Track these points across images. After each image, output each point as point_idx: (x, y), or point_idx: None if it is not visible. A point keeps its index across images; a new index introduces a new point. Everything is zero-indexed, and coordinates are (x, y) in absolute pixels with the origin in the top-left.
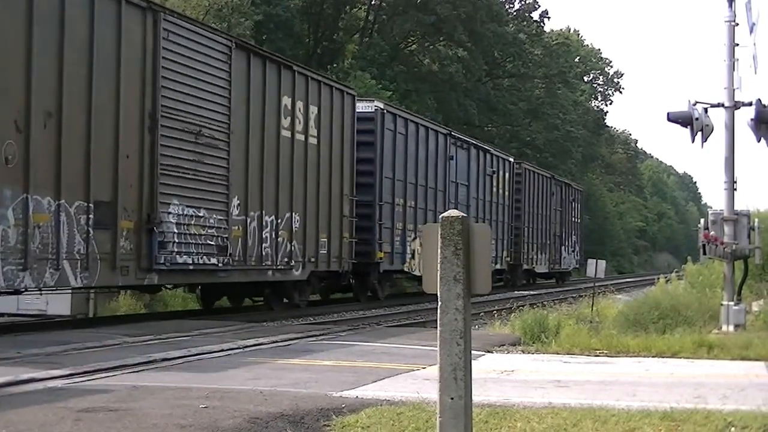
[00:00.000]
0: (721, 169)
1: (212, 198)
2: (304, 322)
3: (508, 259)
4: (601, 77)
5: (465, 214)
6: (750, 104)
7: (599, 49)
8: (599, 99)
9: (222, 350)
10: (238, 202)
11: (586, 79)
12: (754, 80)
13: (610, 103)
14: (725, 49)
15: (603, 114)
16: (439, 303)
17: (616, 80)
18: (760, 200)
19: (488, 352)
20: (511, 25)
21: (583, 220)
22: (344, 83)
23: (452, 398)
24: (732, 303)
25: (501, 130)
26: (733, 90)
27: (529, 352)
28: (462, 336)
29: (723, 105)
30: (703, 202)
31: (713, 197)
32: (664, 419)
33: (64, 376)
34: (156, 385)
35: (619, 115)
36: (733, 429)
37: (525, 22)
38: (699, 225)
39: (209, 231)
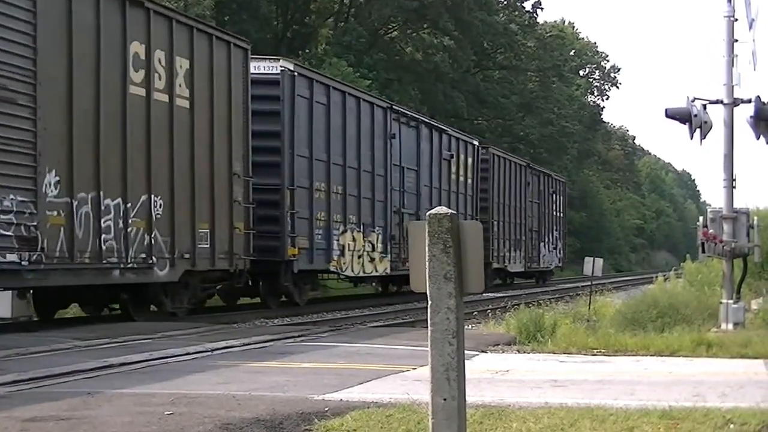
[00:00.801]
0: (720, 167)
1: (5, 172)
2: (280, 323)
3: None
4: (597, 72)
5: (453, 211)
6: (749, 101)
7: (595, 43)
8: (595, 94)
9: (188, 353)
10: (57, 178)
11: (581, 73)
12: (753, 77)
13: (607, 99)
14: (724, 45)
15: (599, 109)
16: (429, 302)
17: (612, 75)
18: (760, 198)
19: (482, 351)
20: (501, 15)
21: (566, 214)
22: (233, 33)
23: (445, 399)
24: (731, 301)
25: (492, 123)
26: (732, 86)
27: (524, 352)
28: (454, 335)
29: (722, 102)
30: (701, 200)
31: (712, 195)
32: (662, 418)
33: (8, 383)
34: (114, 391)
35: (615, 111)
36: (732, 426)
37: (517, 12)
38: (698, 223)
39: (1, 218)
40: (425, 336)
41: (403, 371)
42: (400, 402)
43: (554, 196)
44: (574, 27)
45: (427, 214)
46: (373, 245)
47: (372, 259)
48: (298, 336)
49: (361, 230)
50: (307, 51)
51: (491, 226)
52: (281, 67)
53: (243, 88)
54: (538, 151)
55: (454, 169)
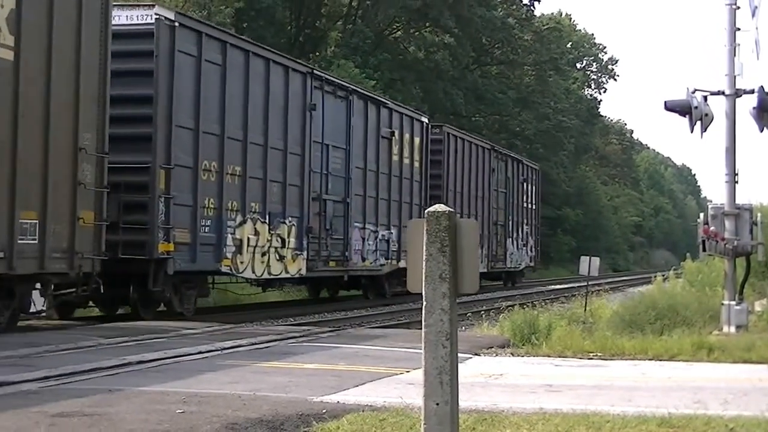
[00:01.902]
0: (721, 161)
1: None
2: (284, 323)
3: None
4: (594, 64)
5: (451, 209)
6: (752, 92)
7: (592, 35)
8: (592, 87)
9: (199, 353)
10: None
11: (578, 66)
12: (756, 66)
13: (604, 92)
14: (726, 34)
15: (596, 103)
16: (424, 303)
17: (610, 67)
18: (763, 193)
19: (476, 354)
20: (499, 9)
21: (540, 206)
22: None
23: (437, 404)
24: (733, 302)
25: (489, 120)
26: (734, 77)
27: (518, 355)
28: (448, 338)
29: (723, 93)
30: (702, 196)
31: (713, 190)
32: (661, 425)
33: (39, 379)
34: (131, 389)
35: (613, 104)
36: None
37: (514, 6)
38: (698, 220)
39: None
40: (419, 337)
41: (397, 374)
42: (394, 406)
43: (525, 185)
44: (571, 19)
45: (426, 212)
46: (283, 240)
47: (281, 257)
48: (301, 336)
49: (267, 221)
50: (317, 53)
51: None
52: (156, 15)
53: (100, 40)
54: (535, 147)
55: (396, 149)
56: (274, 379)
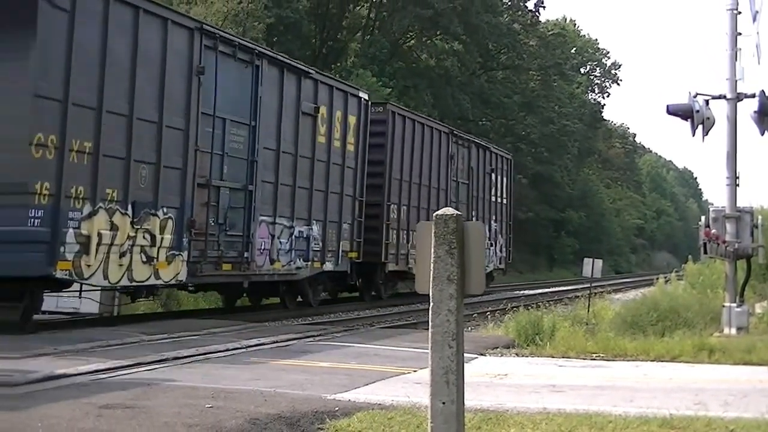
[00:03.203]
0: (722, 164)
1: None
2: (303, 322)
3: (353, 253)
4: (598, 69)
5: (459, 212)
6: (753, 96)
7: (596, 40)
8: (596, 91)
9: (227, 350)
10: None
11: (582, 70)
12: (757, 71)
13: (608, 96)
14: (727, 39)
15: (600, 107)
16: (431, 304)
17: (613, 72)
18: (764, 196)
19: (481, 354)
20: (505, 15)
21: (512, 200)
22: None
23: (444, 403)
24: (734, 304)
25: (495, 124)
26: (736, 81)
27: (523, 355)
28: (454, 338)
29: (725, 97)
30: (704, 199)
31: (714, 193)
32: (663, 426)
33: (90, 372)
34: (168, 383)
35: (616, 108)
36: None
37: (519, 12)
38: (700, 222)
39: None
40: (426, 337)
41: (405, 373)
42: (402, 404)
43: (494, 176)
44: (575, 24)
45: (434, 215)
46: (152, 237)
47: (149, 259)
48: (317, 335)
49: (129, 212)
50: (339, 64)
51: (386, 212)
52: None
53: None
54: (540, 150)
55: (323, 129)
56: (291, 376)
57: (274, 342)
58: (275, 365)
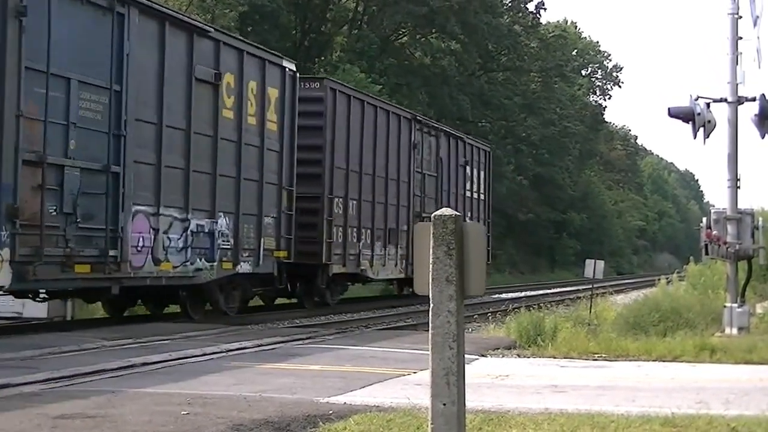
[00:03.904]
0: (723, 167)
1: None
2: (290, 324)
3: (281, 253)
4: (599, 71)
5: (458, 213)
6: (753, 99)
7: (597, 42)
8: (597, 93)
9: (204, 354)
10: None
11: (583, 72)
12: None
13: (609, 98)
14: (728, 43)
15: (601, 109)
16: (431, 305)
17: (615, 74)
18: (765, 198)
19: (482, 356)
20: (505, 17)
21: (490, 197)
22: None
23: (444, 404)
24: (735, 305)
25: (495, 125)
26: (737, 85)
27: (524, 356)
28: (455, 339)
29: (726, 100)
30: (705, 201)
31: (716, 195)
32: (665, 425)
33: (41, 381)
34: (135, 390)
35: (618, 111)
36: None
37: (520, 14)
38: (701, 224)
39: None
40: (426, 339)
41: (404, 375)
42: (401, 406)
43: (468, 168)
44: (576, 27)
45: (432, 215)
46: None
47: None
48: (306, 338)
49: None
50: (323, 58)
51: (328, 206)
52: None
53: None
54: (541, 152)
55: (230, 101)
56: (279, 380)
57: (258, 345)
58: (260, 369)
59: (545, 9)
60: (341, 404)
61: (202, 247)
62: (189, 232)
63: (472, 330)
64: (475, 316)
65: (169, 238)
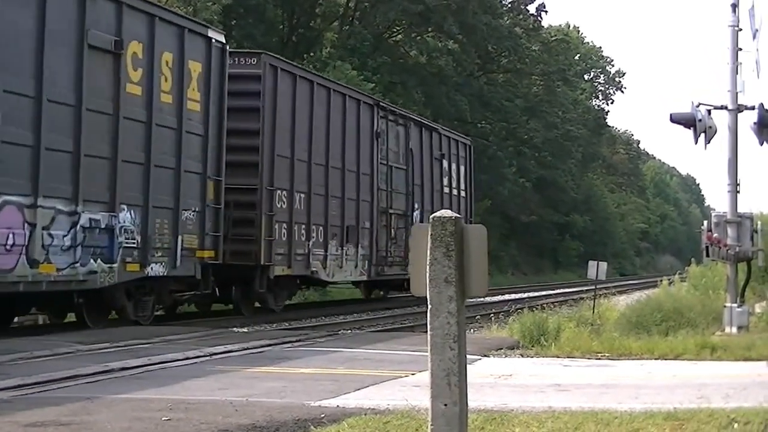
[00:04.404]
0: (724, 171)
1: None
2: (279, 327)
3: (206, 252)
4: (602, 76)
5: (458, 215)
6: (753, 108)
7: (600, 47)
8: (600, 98)
9: (187, 358)
10: None
11: (586, 77)
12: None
13: (612, 103)
14: (729, 53)
15: (604, 113)
16: (429, 306)
17: (617, 79)
18: (763, 202)
19: (485, 356)
20: (506, 18)
21: (471, 194)
22: None
23: (446, 405)
24: (735, 305)
25: (496, 127)
26: (737, 93)
27: (528, 356)
28: (455, 340)
29: (726, 108)
30: (706, 204)
31: (716, 199)
32: (667, 419)
33: (12, 387)
34: (113, 396)
35: (620, 115)
36: (735, 425)
37: (521, 16)
38: (702, 227)
39: None
40: (424, 341)
41: (402, 377)
42: (398, 408)
43: (445, 162)
44: (579, 31)
45: (431, 217)
46: None
47: None
48: (296, 341)
49: None
50: (312, 54)
51: (267, 199)
52: None
53: None
54: (543, 155)
55: (136, 75)
56: (267, 384)
57: (244, 349)
58: (247, 373)
59: (546, 12)
60: (334, 407)
61: (98, 245)
62: (79, 227)
63: (474, 330)
64: (478, 317)
65: (51, 235)
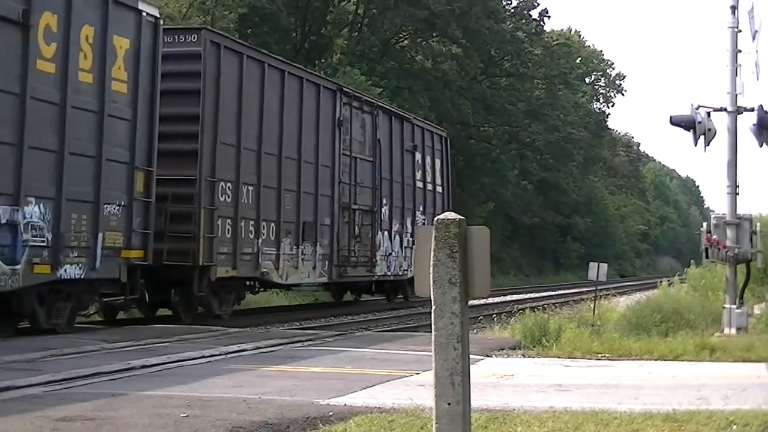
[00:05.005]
0: (723, 173)
1: None
2: (290, 327)
3: (132, 252)
4: (602, 79)
5: (462, 217)
6: (752, 110)
7: (601, 51)
8: (601, 101)
9: (203, 357)
10: None
11: (587, 80)
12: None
13: (612, 106)
14: (728, 55)
15: (605, 116)
16: (433, 307)
17: (618, 82)
18: (763, 204)
19: (487, 356)
20: (508, 23)
21: (449, 190)
22: None
23: (449, 404)
24: (734, 306)
25: (499, 130)
26: (736, 95)
27: (529, 356)
28: (459, 340)
29: (726, 110)
30: (705, 206)
31: (716, 201)
32: (666, 420)
33: (43, 383)
34: (135, 393)
35: (621, 118)
36: (734, 427)
37: (523, 20)
38: (701, 229)
39: None
40: (428, 341)
41: (407, 376)
42: (404, 407)
43: (418, 155)
44: (580, 35)
45: (435, 219)
46: None
47: None
48: (306, 340)
49: None
50: (323, 60)
51: (208, 192)
52: None
53: None
54: (545, 158)
55: (49, 50)
56: (279, 382)
57: (257, 348)
58: (259, 372)
59: (549, 17)
60: (341, 406)
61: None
62: None
63: (477, 331)
64: (480, 318)
65: None
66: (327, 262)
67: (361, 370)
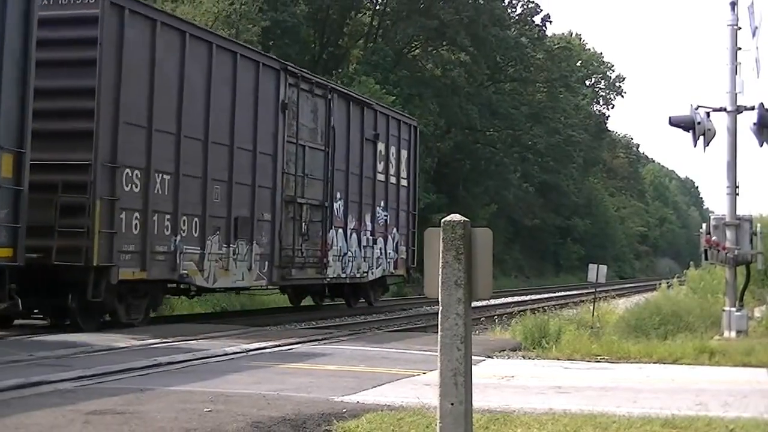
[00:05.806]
0: (723, 174)
1: None
2: (307, 326)
3: (2, 251)
4: (602, 81)
5: (466, 219)
6: (752, 108)
7: (601, 53)
8: (601, 103)
9: (225, 354)
10: None
11: (587, 83)
12: (756, 84)
13: (612, 108)
14: (728, 53)
15: (604, 118)
16: (440, 308)
17: (617, 84)
18: (763, 205)
19: (488, 357)
20: (513, 29)
21: (416, 184)
22: None
23: (452, 404)
24: (734, 309)
25: (503, 134)
26: (736, 94)
27: (529, 358)
28: (463, 341)
29: (725, 109)
30: (705, 207)
31: (715, 202)
32: (665, 426)
33: (74, 378)
34: (161, 388)
35: (620, 119)
36: None
37: (527, 26)
38: (701, 230)
39: None
40: (435, 341)
41: (414, 375)
42: (411, 406)
43: (380, 145)
44: (581, 39)
45: (442, 221)
46: None
47: None
48: (322, 339)
49: None
50: (340, 70)
51: (106, 179)
52: None
53: None
54: (546, 160)
55: None
56: (296, 379)
57: (276, 346)
58: (278, 369)
59: (551, 22)
60: (354, 403)
61: None
62: None
63: (479, 332)
64: (482, 319)
65: None
66: (267, 262)
67: (373, 368)
